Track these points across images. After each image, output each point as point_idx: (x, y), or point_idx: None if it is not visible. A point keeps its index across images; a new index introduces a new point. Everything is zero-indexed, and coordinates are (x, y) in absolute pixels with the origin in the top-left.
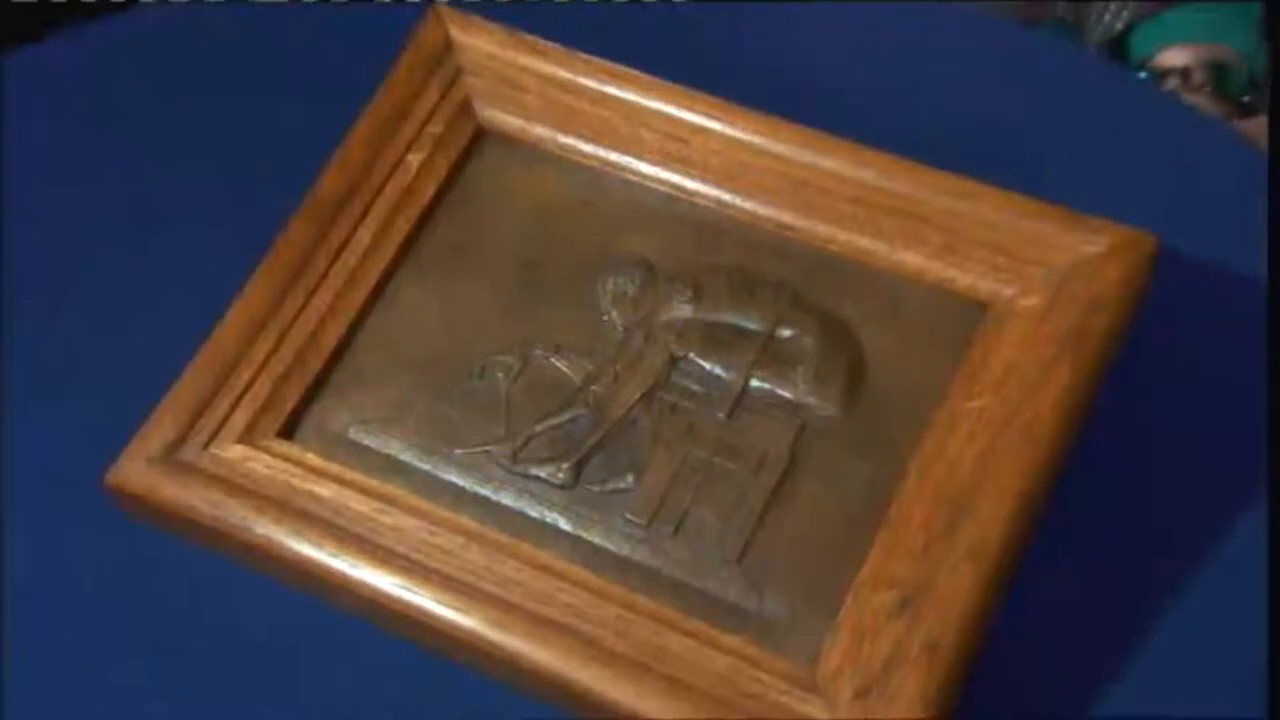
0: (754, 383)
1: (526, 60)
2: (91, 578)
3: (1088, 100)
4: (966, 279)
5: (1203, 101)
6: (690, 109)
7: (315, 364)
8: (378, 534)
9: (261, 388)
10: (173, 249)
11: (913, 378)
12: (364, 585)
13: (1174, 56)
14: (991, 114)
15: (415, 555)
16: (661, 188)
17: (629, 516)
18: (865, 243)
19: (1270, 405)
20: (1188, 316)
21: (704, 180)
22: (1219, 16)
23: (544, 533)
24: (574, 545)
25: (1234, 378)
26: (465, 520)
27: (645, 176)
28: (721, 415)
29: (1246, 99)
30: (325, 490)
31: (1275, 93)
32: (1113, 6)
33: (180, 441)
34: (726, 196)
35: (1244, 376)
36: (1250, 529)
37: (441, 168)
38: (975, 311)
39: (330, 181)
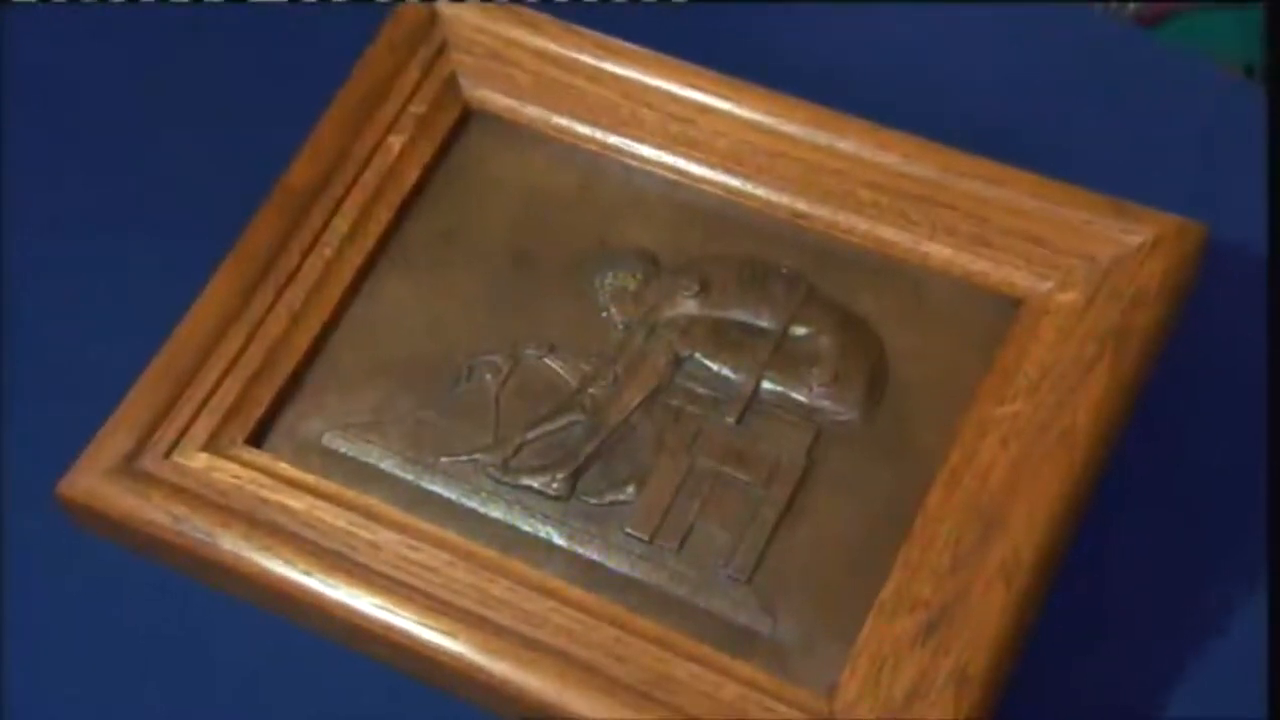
0: (766, 385)
1: (517, 34)
2: (45, 597)
3: (1123, 76)
4: (998, 272)
5: None
6: (696, 87)
7: (287, 365)
8: (355, 550)
9: (228, 391)
10: (136, 243)
11: (939, 379)
12: (340, 606)
13: None
14: (1020, 94)
15: (396, 573)
16: (664, 173)
17: (629, 531)
18: (887, 232)
19: (1271, 406)
20: (1236, 311)
21: (711, 164)
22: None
23: (536, 549)
24: (569, 562)
25: None
26: (451, 535)
27: (647, 160)
28: (730, 420)
29: None
30: (297, 502)
31: (1274, 94)
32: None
33: (139, 450)
34: (735, 182)
35: None
36: None
37: (425, 151)
38: (1008, 307)
39: (303, 167)
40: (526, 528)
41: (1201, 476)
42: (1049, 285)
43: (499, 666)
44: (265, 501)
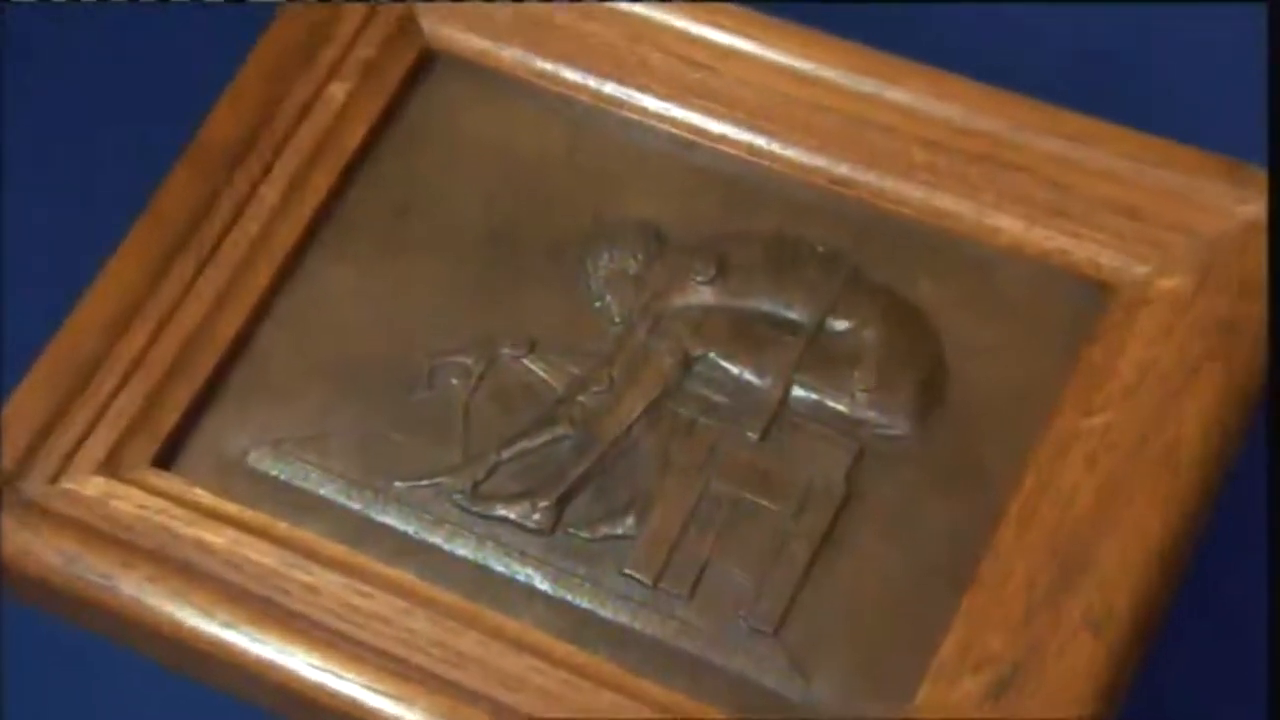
0: (797, 391)
1: None
2: None
3: (1227, 18)
4: (1083, 251)
5: None
6: (714, 24)
7: (204, 365)
8: (289, 596)
9: (130, 399)
10: (27, 214)
11: (1010, 385)
12: (270, 666)
13: None
14: (1107, 33)
15: (341, 625)
16: (674, 130)
17: (628, 572)
18: (946, 202)
19: (1271, 406)
20: None
21: (732, 119)
22: None
23: (514, 594)
24: (554, 611)
25: None
26: (408, 577)
27: (652, 115)
28: (753, 435)
29: None
30: (218, 537)
31: (1274, 97)
32: None
33: (20, 473)
34: (761, 141)
35: None
36: None
37: (375, 103)
38: (1095, 295)
39: (222, 120)
40: (501, 568)
41: None
42: (1146, 268)
43: None
44: (177, 536)
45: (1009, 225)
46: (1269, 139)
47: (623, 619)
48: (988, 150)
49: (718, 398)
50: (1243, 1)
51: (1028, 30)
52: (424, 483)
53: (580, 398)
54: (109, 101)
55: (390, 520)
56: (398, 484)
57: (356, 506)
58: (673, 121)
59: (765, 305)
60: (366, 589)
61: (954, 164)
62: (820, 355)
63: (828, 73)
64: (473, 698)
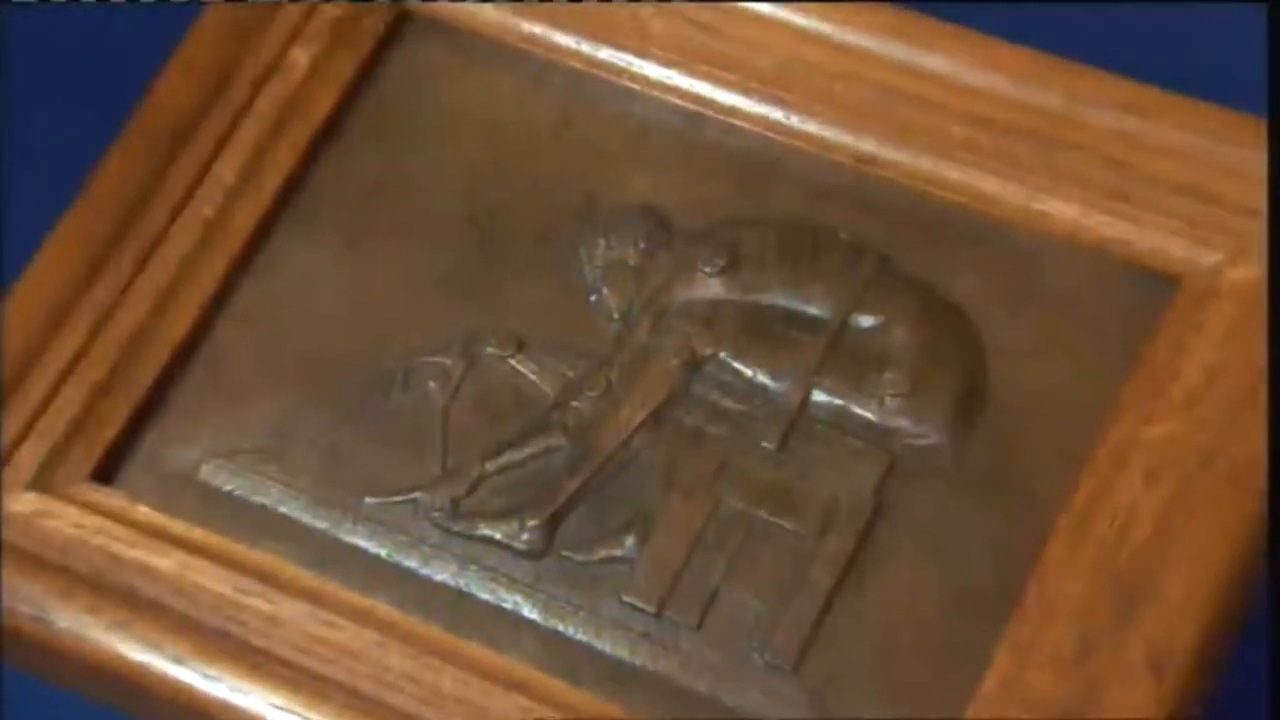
0: (818, 396)
1: None
2: None
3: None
4: (1145, 238)
5: None
6: None
7: (149, 368)
8: (246, 628)
9: (65, 406)
10: None
11: (1060, 390)
12: (226, 707)
13: None
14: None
15: (305, 660)
16: (678, 101)
17: (628, 599)
18: (990, 184)
19: (1271, 405)
20: None
21: (745, 89)
22: None
23: (500, 625)
24: (544, 644)
25: None
26: (380, 606)
27: (654, 84)
28: (769, 446)
29: None
30: (165, 560)
31: (1274, 96)
32: None
33: None
34: (779, 114)
35: None
36: None
37: (344, 70)
38: (1158, 288)
39: (169, 91)
40: (485, 595)
41: None
42: (1216, 257)
43: None
44: (119, 560)
45: (1061, 210)
46: (1269, 139)
47: (622, 652)
48: (1037, 125)
49: (729, 403)
50: (1243, 1)
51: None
52: (398, 499)
53: (574, 403)
54: (42, 85)
55: (360, 541)
56: (369, 500)
57: (322, 526)
58: (677, 91)
59: (782, 299)
60: (334, 619)
61: (998, 140)
62: (845, 356)
63: (854, 36)
64: None
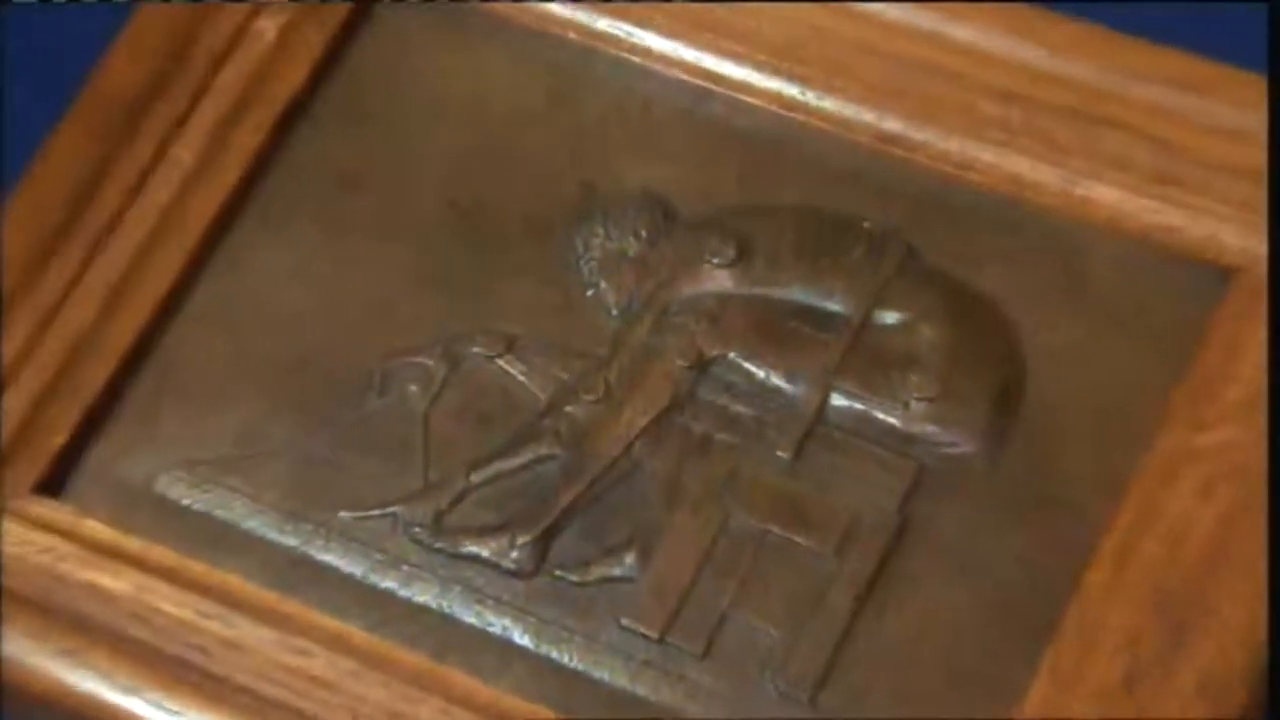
0: (837, 400)
1: None
2: None
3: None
4: (1198, 226)
5: None
6: None
7: (99, 372)
8: (208, 656)
9: (8, 411)
10: None
11: (1103, 393)
12: None
13: None
14: None
15: (272, 691)
16: (683, 76)
17: (628, 624)
18: (1024, 166)
19: (1272, 404)
20: None
21: (754, 63)
22: None
23: (487, 651)
24: (535, 673)
25: None
26: (355, 632)
27: (657, 57)
28: (783, 455)
29: None
30: (119, 582)
31: (1274, 96)
32: None
33: None
34: (793, 90)
35: None
36: None
37: (314, 42)
38: (1212, 281)
39: (121, 67)
40: (471, 619)
41: None
42: None
43: None
44: (67, 581)
45: (1104, 195)
46: (1269, 140)
47: (621, 681)
48: (1076, 101)
49: (738, 408)
50: (1243, 1)
51: None
52: (375, 513)
53: (568, 408)
54: None
55: (333, 560)
56: (342, 515)
57: (291, 543)
58: (682, 65)
59: (797, 294)
60: (303, 646)
61: (1034, 119)
62: (866, 356)
63: (875, 3)
64: None
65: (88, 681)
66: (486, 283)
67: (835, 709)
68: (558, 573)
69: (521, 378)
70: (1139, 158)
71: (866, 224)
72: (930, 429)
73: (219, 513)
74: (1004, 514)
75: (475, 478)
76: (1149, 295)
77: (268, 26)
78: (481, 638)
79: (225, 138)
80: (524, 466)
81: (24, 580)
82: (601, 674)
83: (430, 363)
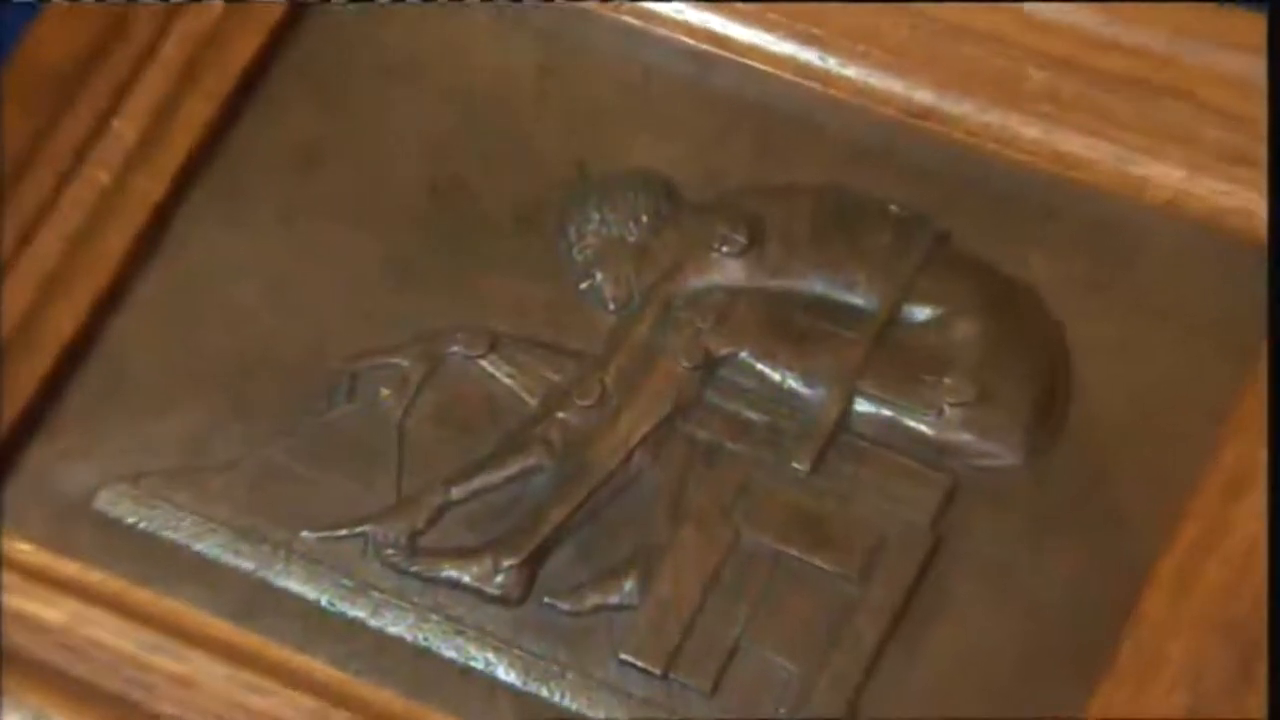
0: (862, 406)
1: None
2: None
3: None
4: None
5: None
6: None
7: (34, 370)
8: (153, 693)
9: None
10: None
11: (1160, 398)
12: None
13: None
14: None
15: None
16: (688, 41)
17: (627, 657)
18: (1074, 144)
19: (1271, 404)
20: None
21: (767, 25)
22: None
23: (467, 689)
24: (523, 712)
25: None
26: (319, 667)
27: (657, 19)
28: (800, 467)
29: None
30: (54, 611)
31: (1274, 97)
32: None
33: None
34: (812, 57)
35: None
36: None
37: (271, 5)
38: None
39: (53, 34)
40: (451, 653)
41: None
42: None
43: None
44: None
45: (1163, 175)
46: (1269, 141)
47: None
48: (1133, 69)
49: (750, 414)
50: (1243, 1)
51: None
52: (342, 533)
53: (560, 414)
54: None
55: (295, 585)
56: (306, 535)
57: (248, 566)
58: (686, 28)
59: (817, 286)
60: (261, 683)
61: (1085, 89)
62: (894, 355)
63: None
64: None
65: None
66: (466, 275)
67: None
68: (548, 600)
69: (507, 380)
70: (1202, 133)
71: (894, 207)
72: (965, 437)
73: (165, 533)
74: (1049, 532)
75: (455, 493)
76: (1212, 286)
77: None
78: (462, 674)
79: (171, 110)
80: (510, 480)
81: None
82: (597, 714)
83: (405, 363)
